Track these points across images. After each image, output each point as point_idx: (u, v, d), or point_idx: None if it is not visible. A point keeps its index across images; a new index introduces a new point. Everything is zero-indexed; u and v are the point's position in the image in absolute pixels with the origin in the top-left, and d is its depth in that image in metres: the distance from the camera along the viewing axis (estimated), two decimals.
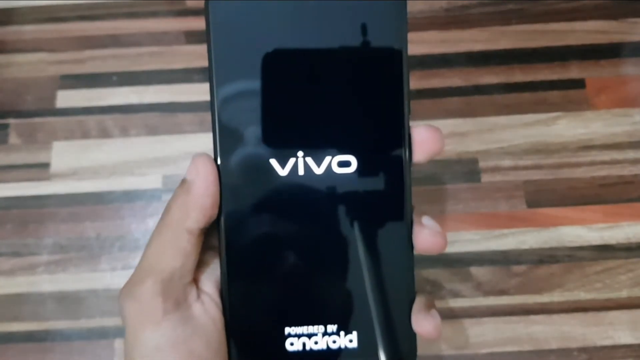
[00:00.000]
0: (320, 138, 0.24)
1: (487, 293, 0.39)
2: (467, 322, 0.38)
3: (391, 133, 0.24)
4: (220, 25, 0.23)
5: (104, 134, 0.42)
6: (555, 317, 0.38)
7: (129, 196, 0.41)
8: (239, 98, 0.24)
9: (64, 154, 0.42)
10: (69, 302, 0.39)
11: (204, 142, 0.42)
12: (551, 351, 0.37)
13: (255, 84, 0.23)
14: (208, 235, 0.25)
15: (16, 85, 0.43)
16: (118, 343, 0.38)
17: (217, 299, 0.24)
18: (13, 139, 0.42)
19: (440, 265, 0.39)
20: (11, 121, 0.43)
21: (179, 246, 0.23)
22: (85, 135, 0.42)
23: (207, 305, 0.24)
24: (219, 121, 0.24)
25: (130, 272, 0.40)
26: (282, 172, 0.24)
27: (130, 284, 0.24)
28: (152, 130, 0.42)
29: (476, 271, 0.39)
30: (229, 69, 0.24)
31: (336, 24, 0.23)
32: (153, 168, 0.41)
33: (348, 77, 0.24)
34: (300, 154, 0.24)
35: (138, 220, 0.40)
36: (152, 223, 0.40)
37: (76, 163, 0.41)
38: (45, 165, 0.41)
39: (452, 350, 0.38)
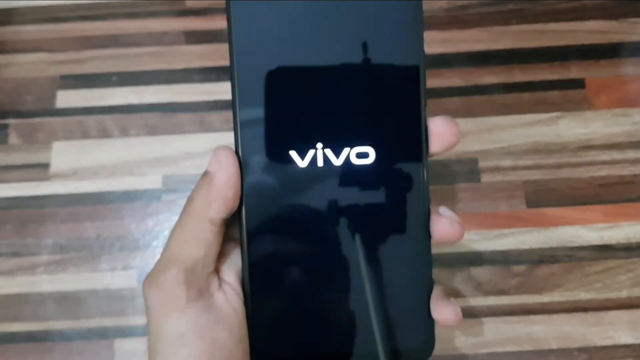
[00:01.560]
0: (338, 130, 0.24)
1: (487, 293, 0.39)
2: (467, 322, 0.38)
3: (408, 124, 0.25)
4: (242, 24, 0.24)
5: (104, 134, 0.42)
6: (555, 317, 0.38)
7: (129, 196, 0.41)
8: (260, 94, 0.24)
9: (63, 154, 0.42)
10: (69, 302, 0.39)
11: (204, 142, 0.42)
12: (551, 351, 0.37)
13: (275, 80, 0.24)
14: (229, 227, 0.25)
15: (16, 86, 0.44)
16: (118, 343, 0.38)
17: (238, 289, 0.25)
18: (13, 139, 0.42)
19: (440, 265, 0.39)
20: (11, 121, 0.43)
21: (201, 236, 0.24)
22: (85, 135, 0.42)
23: (228, 294, 0.25)
24: (240, 115, 0.24)
25: (130, 272, 0.40)
26: (302, 163, 0.24)
27: (154, 273, 0.24)
28: (152, 130, 0.42)
29: (476, 271, 0.39)
30: (250, 67, 0.24)
31: (354, 22, 0.24)
32: (153, 168, 0.41)
33: (365, 72, 0.24)
34: (319, 145, 0.24)
35: (138, 220, 0.40)
36: (152, 223, 0.40)
37: (76, 163, 0.41)
38: (45, 166, 0.41)
39: (452, 350, 0.38)
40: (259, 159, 0.24)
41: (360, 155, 0.24)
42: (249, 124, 0.24)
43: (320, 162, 0.24)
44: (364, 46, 0.24)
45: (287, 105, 0.24)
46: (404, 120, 0.25)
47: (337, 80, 0.24)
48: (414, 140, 0.25)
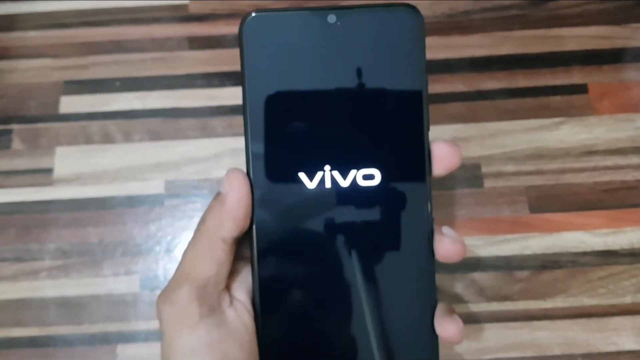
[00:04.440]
0: (345, 153, 0.25)
1: (490, 299, 0.38)
2: (470, 328, 0.38)
3: (412, 147, 0.26)
4: (254, 48, 0.25)
5: (107, 139, 0.42)
6: (559, 323, 0.38)
7: (132, 201, 0.41)
8: (270, 118, 0.25)
9: (67, 159, 0.42)
10: (71, 307, 0.39)
11: (206, 147, 0.42)
12: (555, 357, 0.37)
13: (285, 104, 0.25)
14: (240, 246, 0.26)
15: (20, 91, 0.44)
16: (120, 348, 0.38)
17: (249, 306, 0.26)
18: (16, 144, 0.42)
19: (443, 270, 0.39)
20: (15, 126, 0.43)
21: (213, 255, 0.25)
22: (88, 140, 0.42)
23: (239, 311, 0.26)
24: (251, 137, 0.25)
25: (132, 277, 0.40)
26: (310, 184, 0.25)
27: (168, 290, 0.25)
28: (155, 136, 0.42)
29: (479, 277, 0.39)
30: (261, 90, 0.25)
31: (360, 49, 0.25)
32: (155, 173, 0.41)
33: (371, 98, 0.25)
34: (327, 167, 0.25)
35: (140, 226, 0.40)
36: (154, 228, 0.40)
37: (79, 168, 0.42)
38: (49, 171, 0.42)
39: (455, 356, 0.37)
40: (269, 180, 0.25)
41: (366, 177, 0.25)
42: (260, 146, 0.25)
43: (328, 184, 0.25)
44: (369, 74, 0.25)
45: (296, 129, 0.25)
46: (408, 144, 0.26)
47: (345, 105, 0.25)
48: (417, 164, 0.26)
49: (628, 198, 0.40)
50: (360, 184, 0.25)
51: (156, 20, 0.45)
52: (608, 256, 0.39)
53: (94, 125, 0.43)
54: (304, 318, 0.26)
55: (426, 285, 0.26)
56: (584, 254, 0.39)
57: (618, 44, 0.44)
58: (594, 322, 0.38)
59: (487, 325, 0.38)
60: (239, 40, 0.25)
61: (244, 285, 0.26)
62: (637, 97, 0.42)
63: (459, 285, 0.39)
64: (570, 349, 0.37)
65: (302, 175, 0.25)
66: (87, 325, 0.39)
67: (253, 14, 0.25)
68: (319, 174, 0.25)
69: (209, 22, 0.45)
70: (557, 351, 0.37)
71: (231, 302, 0.26)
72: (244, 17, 0.25)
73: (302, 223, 0.25)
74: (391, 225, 0.25)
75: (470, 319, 0.38)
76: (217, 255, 0.25)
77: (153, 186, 0.41)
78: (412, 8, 0.25)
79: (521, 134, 0.42)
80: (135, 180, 0.41)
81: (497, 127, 0.42)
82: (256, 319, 0.26)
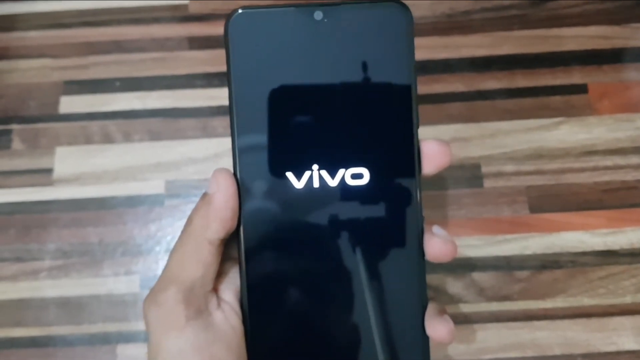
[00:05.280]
0: (333, 152, 0.25)
1: (490, 299, 0.38)
2: (470, 328, 0.38)
3: (401, 147, 0.25)
4: (240, 45, 0.25)
5: (107, 139, 0.42)
6: (559, 323, 0.38)
7: (132, 201, 0.41)
8: (257, 117, 0.25)
9: (67, 160, 0.42)
10: (71, 307, 0.39)
11: (206, 147, 0.42)
12: (554, 357, 0.37)
13: (271, 103, 0.25)
14: (227, 246, 0.26)
15: (20, 91, 0.44)
16: (120, 349, 0.38)
17: (237, 308, 0.26)
18: (16, 144, 0.42)
19: (443, 270, 0.39)
20: (14, 127, 0.43)
21: (200, 256, 0.24)
22: (88, 140, 0.42)
23: (227, 313, 0.25)
24: (238, 137, 0.25)
25: (132, 277, 0.40)
26: (298, 184, 0.25)
27: (154, 292, 0.25)
28: (155, 136, 0.42)
29: (479, 277, 0.39)
30: (247, 88, 0.25)
31: (347, 47, 0.25)
32: (155, 173, 0.41)
33: (359, 96, 0.25)
34: (315, 167, 0.25)
35: (140, 226, 0.40)
36: (154, 228, 0.40)
37: (79, 168, 0.42)
38: (48, 171, 0.42)
39: (455, 356, 0.37)
40: (256, 180, 0.25)
41: (355, 177, 0.25)
42: (247, 146, 0.25)
43: (316, 183, 0.25)
44: (357, 71, 0.25)
45: (284, 128, 0.25)
46: (397, 143, 0.25)
47: (332, 104, 0.25)
48: (406, 163, 0.25)
49: (628, 198, 0.40)
50: (349, 183, 0.25)
51: (156, 20, 0.45)
52: (608, 256, 0.39)
53: (94, 125, 0.43)
54: (292, 320, 0.25)
55: (416, 286, 0.26)
56: (584, 254, 0.39)
57: (618, 44, 0.44)
58: (594, 322, 0.38)
59: (487, 325, 0.38)
60: (224, 38, 0.25)
61: (232, 287, 0.26)
62: (637, 97, 0.42)
63: (458, 285, 0.39)
64: (570, 349, 0.37)
65: (289, 175, 0.25)
66: (87, 325, 0.39)
67: (239, 11, 0.25)
68: (307, 174, 0.25)
69: (209, 22, 0.45)
70: (557, 351, 0.37)
71: (219, 304, 0.25)
72: (229, 13, 0.25)
73: (290, 223, 0.25)
74: (380, 226, 0.25)
75: (470, 319, 0.38)
76: (204, 256, 0.24)
77: (153, 186, 0.41)
78: (400, 4, 0.25)
79: (521, 134, 0.42)
80: (135, 180, 0.41)
81: (497, 127, 0.42)
82: (244, 321, 0.25)
